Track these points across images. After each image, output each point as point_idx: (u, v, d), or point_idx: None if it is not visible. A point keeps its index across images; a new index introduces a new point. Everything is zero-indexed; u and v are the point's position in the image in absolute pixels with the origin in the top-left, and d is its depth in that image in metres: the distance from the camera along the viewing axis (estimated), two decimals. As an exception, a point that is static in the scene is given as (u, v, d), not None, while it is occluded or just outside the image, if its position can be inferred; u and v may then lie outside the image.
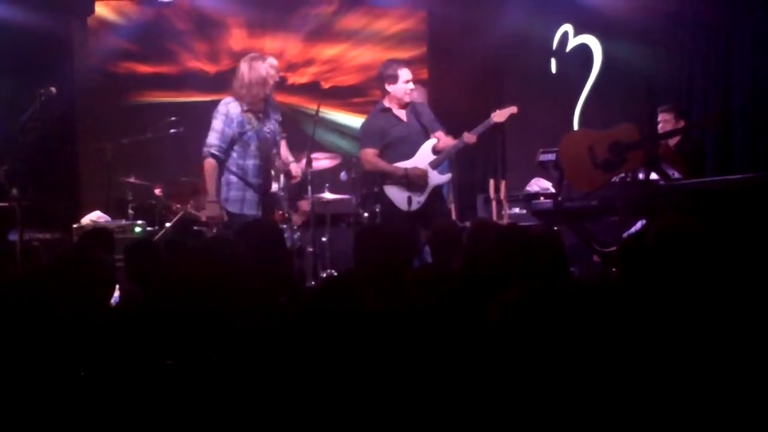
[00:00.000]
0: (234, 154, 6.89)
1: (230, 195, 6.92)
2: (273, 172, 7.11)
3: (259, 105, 6.91)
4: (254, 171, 6.93)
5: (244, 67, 6.93)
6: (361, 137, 7.44)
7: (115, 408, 2.99)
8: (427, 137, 7.35)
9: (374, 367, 2.86)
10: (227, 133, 6.85)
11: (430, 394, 2.76)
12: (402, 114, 7.35)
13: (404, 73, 7.30)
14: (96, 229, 6.98)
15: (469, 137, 7.26)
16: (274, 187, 7.12)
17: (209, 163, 6.87)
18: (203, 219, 8.68)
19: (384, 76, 7.35)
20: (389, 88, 7.29)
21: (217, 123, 6.87)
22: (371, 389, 2.80)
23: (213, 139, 6.86)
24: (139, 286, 4.98)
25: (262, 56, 7.04)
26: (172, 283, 3.76)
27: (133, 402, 3.00)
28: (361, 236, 4.58)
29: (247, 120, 6.88)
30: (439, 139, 7.35)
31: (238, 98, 6.90)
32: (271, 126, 7.01)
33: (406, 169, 7.20)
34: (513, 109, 7.42)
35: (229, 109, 6.89)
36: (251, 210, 6.93)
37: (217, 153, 6.83)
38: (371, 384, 2.81)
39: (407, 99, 7.33)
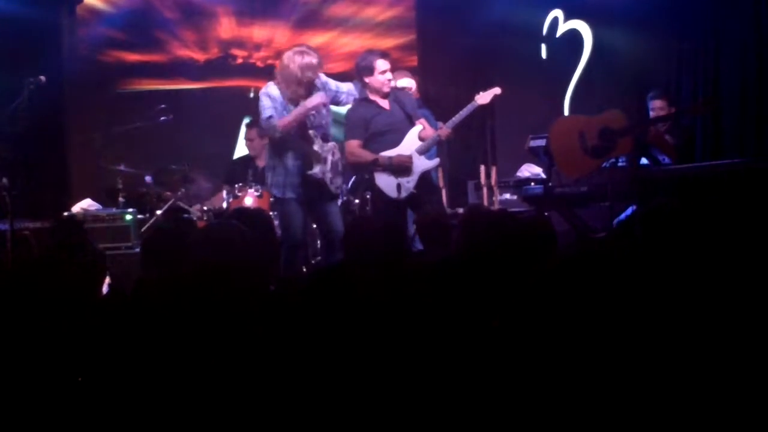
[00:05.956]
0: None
1: (273, 180, 7.01)
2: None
3: (296, 99, 6.90)
4: (293, 154, 6.95)
5: (285, 59, 6.93)
6: (345, 129, 7.40)
7: (112, 395, 3.00)
8: (412, 124, 7.33)
9: (368, 357, 2.87)
10: (279, 109, 6.86)
11: (429, 383, 2.76)
12: (385, 103, 7.31)
13: (380, 64, 7.23)
14: (68, 218, 6.98)
15: (443, 131, 7.27)
16: (316, 169, 7.00)
17: (272, 123, 6.86)
18: (196, 211, 8.70)
19: (360, 68, 7.30)
20: (367, 79, 7.24)
21: (267, 103, 6.86)
22: (366, 379, 2.80)
23: (266, 112, 6.86)
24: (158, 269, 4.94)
25: (305, 52, 6.95)
26: (183, 269, 3.75)
27: (129, 390, 3.00)
28: (353, 227, 4.59)
29: (286, 105, 6.89)
30: (423, 126, 7.35)
31: (279, 85, 6.92)
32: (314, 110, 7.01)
33: (390, 157, 7.17)
34: (497, 90, 7.41)
35: (270, 91, 6.90)
36: (292, 193, 6.96)
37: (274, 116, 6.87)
38: (366, 373, 2.82)
39: (386, 89, 7.28)
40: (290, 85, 6.86)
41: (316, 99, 6.86)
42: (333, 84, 7.18)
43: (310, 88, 6.93)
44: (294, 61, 6.87)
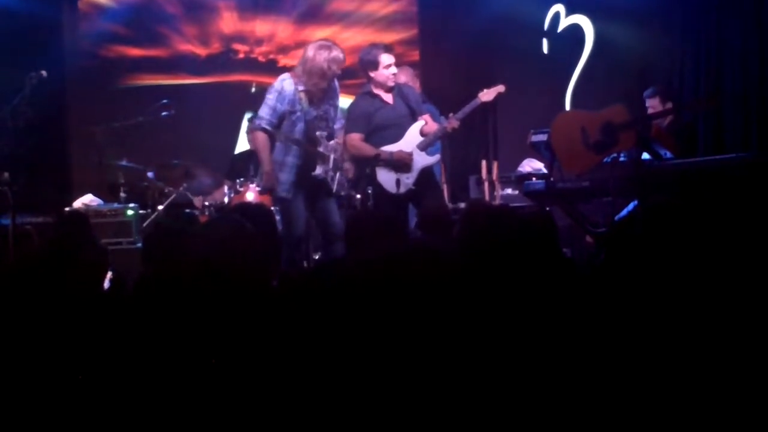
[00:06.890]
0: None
1: (276, 177, 7.01)
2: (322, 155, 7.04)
3: (316, 93, 6.95)
4: (294, 151, 6.96)
5: (309, 52, 6.94)
6: (346, 122, 7.38)
7: (114, 390, 3.00)
8: (415, 120, 7.29)
9: (369, 353, 2.87)
10: (279, 109, 6.91)
11: (430, 378, 2.76)
12: (388, 97, 7.28)
13: (385, 58, 7.19)
14: (73, 214, 6.96)
15: (451, 123, 7.23)
16: (319, 170, 7.03)
17: (259, 136, 6.97)
18: (198, 204, 8.69)
19: (364, 62, 7.26)
20: (371, 74, 7.22)
21: (271, 98, 6.94)
22: (368, 374, 2.80)
23: (264, 113, 6.93)
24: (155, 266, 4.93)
25: (331, 46, 6.97)
26: (185, 264, 3.74)
27: (130, 386, 3.00)
28: (353, 220, 4.58)
29: (299, 100, 6.90)
30: (426, 121, 7.31)
31: (296, 79, 6.94)
32: (323, 109, 7.03)
33: (391, 152, 7.14)
34: (500, 88, 7.39)
35: (283, 86, 6.94)
36: (283, 192, 6.97)
37: (267, 127, 6.90)
38: (368, 369, 2.82)
39: (390, 83, 7.24)
40: (313, 77, 6.88)
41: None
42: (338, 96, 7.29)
43: (332, 82, 7.00)
44: (321, 54, 6.88)
